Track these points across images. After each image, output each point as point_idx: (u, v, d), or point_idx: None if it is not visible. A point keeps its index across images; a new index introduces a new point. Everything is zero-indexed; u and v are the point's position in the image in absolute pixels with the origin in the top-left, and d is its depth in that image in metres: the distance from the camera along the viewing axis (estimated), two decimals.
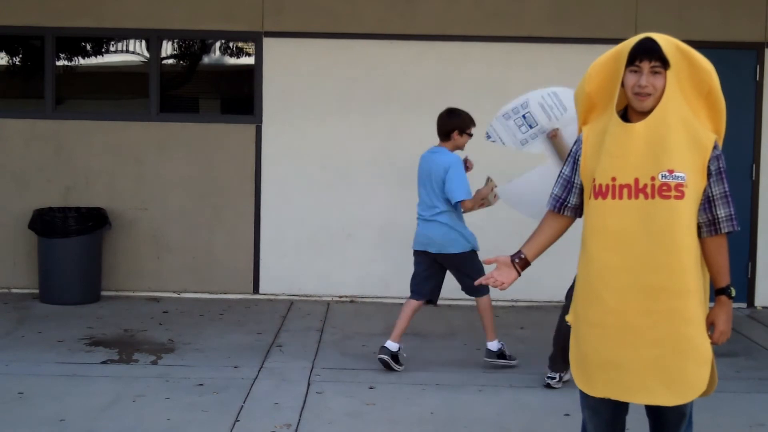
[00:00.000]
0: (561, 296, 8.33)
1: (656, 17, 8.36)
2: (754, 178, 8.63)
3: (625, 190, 3.37)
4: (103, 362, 6.34)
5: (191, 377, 6.03)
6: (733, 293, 3.45)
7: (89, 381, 5.92)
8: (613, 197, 3.39)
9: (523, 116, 6.25)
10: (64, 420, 5.17)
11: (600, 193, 3.42)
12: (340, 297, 8.57)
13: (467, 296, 8.06)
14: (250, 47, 8.68)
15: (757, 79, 8.51)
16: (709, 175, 3.36)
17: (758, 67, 8.49)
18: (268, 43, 8.50)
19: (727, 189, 3.40)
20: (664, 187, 3.31)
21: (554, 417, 5.43)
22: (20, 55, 9.05)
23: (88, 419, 5.21)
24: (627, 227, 3.37)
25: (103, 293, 8.38)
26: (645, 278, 3.35)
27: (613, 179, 3.39)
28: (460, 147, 6.37)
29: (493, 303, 8.29)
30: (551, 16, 8.47)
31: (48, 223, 8.06)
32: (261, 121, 8.54)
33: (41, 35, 8.56)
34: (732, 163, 8.35)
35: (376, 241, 8.55)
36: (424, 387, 5.97)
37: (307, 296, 8.54)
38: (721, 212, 3.38)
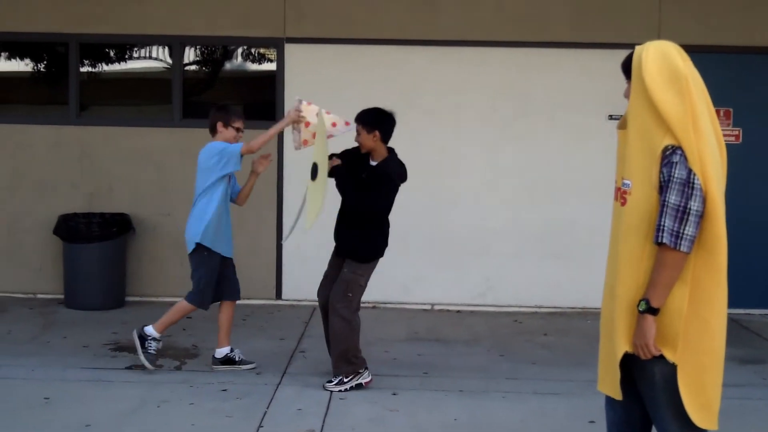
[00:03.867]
0: (584, 302, 8.38)
1: (679, 22, 8.32)
2: None
3: (614, 193, 3.58)
4: (128, 367, 6.37)
5: (215, 383, 6.05)
6: (642, 307, 3.35)
7: (114, 386, 5.95)
8: (614, 198, 3.59)
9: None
10: (89, 425, 5.20)
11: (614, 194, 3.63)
12: (363, 303, 8.53)
13: (489, 303, 8.10)
14: (271, 53, 8.71)
15: None
16: (660, 183, 3.34)
17: None
18: (289, 49, 8.52)
19: (668, 199, 3.29)
20: (619, 193, 3.51)
21: (579, 424, 5.41)
22: (44, 62, 9.12)
23: (113, 424, 5.24)
24: (612, 228, 3.61)
25: (127, 298, 8.42)
26: (608, 277, 3.60)
27: (616, 181, 3.60)
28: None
29: (517, 309, 8.36)
30: (572, 21, 8.45)
31: (72, 229, 8.11)
32: None
33: (65, 42, 8.62)
34: (759, 167, 8.42)
35: (398, 246, 8.51)
36: (447, 393, 5.97)
37: None
38: (659, 221, 3.32)
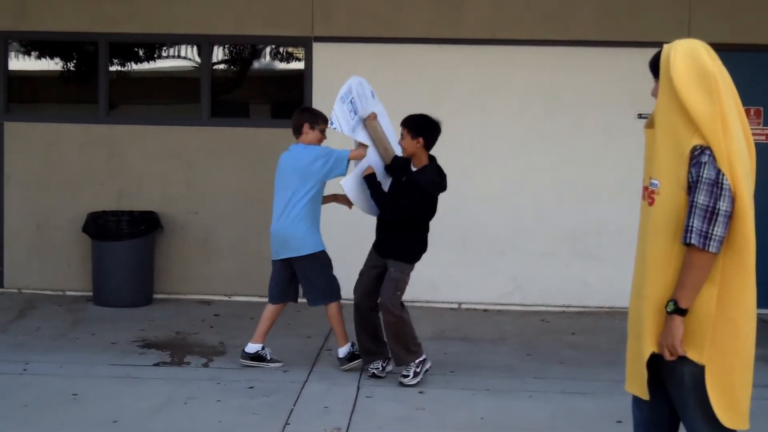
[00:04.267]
0: (612, 302, 8.33)
1: (709, 20, 8.25)
2: None
3: (642, 192, 3.57)
4: (156, 364, 6.41)
5: (242, 380, 6.07)
6: (670, 308, 3.33)
7: (142, 383, 5.98)
8: (642, 198, 3.57)
9: (351, 101, 6.25)
10: (117, 421, 5.24)
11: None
12: None
13: (516, 302, 8.07)
14: (299, 52, 8.72)
15: None
16: (688, 183, 3.32)
17: None
18: (317, 48, 8.53)
19: (696, 200, 3.27)
20: (647, 193, 3.49)
21: (606, 423, 5.38)
22: (74, 61, 9.19)
23: (141, 421, 5.27)
24: (639, 228, 3.59)
25: (155, 296, 8.47)
26: (635, 277, 3.58)
27: (643, 181, 3.57)
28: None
29: (545, 308, 8.33)
30: (601, 19, 8.39)
31: (101, 227, 8.16)
32: None
33: (95, 41, 8.68)
34: None
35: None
36: (474, 392, 5.95)
37: (348, 300, 8.51)
38: (688, 221, 3.29)
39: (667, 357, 3.38)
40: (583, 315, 8.32)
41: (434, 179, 6.14)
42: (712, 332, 3.35)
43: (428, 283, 8.47)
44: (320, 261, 6.37)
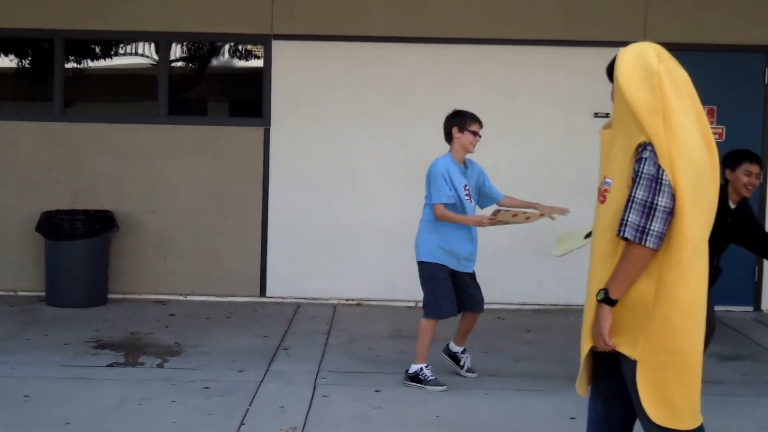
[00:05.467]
0: (568, 299, 8.39)
1: (665, 21, 8.35)
2: (761, 182, 8.58)
3: (596, 193, 3.57)
4: (110, 365, 6.35)
5: (197, 380, 6.03)
6: (600, 296, 3.36)
7: (95, 384, 5.92)
8: (597, 199, 3.58)
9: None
10: (69, 423, 5.18)
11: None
12: (347, 300, 8.57)
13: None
14: (259, 50, 8.69)
15: (765, 82, 8.47)
16: (631, 179, 3.35)
17: (766, 70, 8.46)
18: (277, 45, 8.51)
19: (635, 194, 3.28)
20: (602, 191, 3.50)
21: (560, 421, 5.42)
22: (30, 58, 9.08)
23: (94, 422, 5.21)
24: (594, 228, 3.61)
25: (110, 296, 8.39)
26: (590, 278, 3.53)
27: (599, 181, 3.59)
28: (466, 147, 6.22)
29: (502, 306, 8.36)
30: (562, 19, 8.45)
31: (55, 226, 8.07)
32: (269, 124, 8.54)
33: (51, 38, 8.58)
34: None
35: (384, 244, 8.54)
36: (429, 390, 5.96)
37: (313, 299, 8.53)
38: (624, 215, 3.31)
39: (600, 347, 3.42)
40: (539, 313, 8.38)
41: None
42: (647, 328, 3.35)
43: (385, 281, 8.49)
44: (426, 272, 6.20)
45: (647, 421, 3.43)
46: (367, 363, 6.58)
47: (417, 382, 6.04)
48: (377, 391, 5.90)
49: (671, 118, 3.33)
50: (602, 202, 3.46)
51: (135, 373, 6.19)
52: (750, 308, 8.61)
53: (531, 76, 8.48)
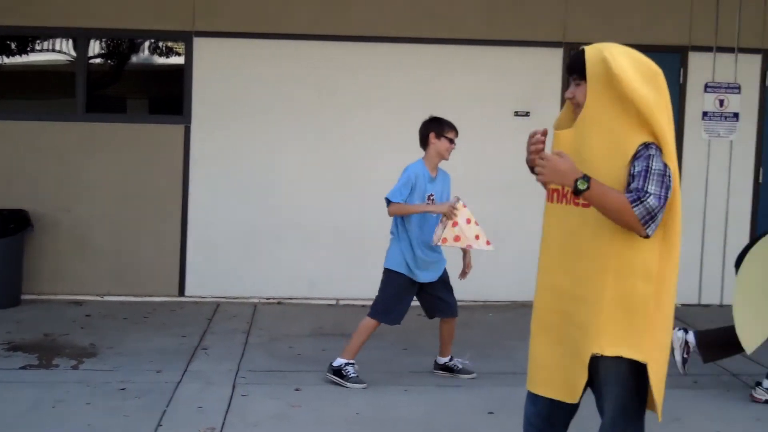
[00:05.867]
0: (486, 296, 8.45)
1: (585, 21, 8.46)
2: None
3: (555, 194, 3.52)
4: (22, 367, 6.21)
5: (113, 382, 5.92)
6: (582, 185, 3.27)
7: (7, 387, 5.78)
8: (550, 200, 3.55)
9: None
10: None
11: (547, 195, 3.58)
12: (268, 299, 8.51)
13: None
14: (180, 47, 8.58)
15: (681, 81, 8.65)
16: (629, 177, 3.31)
17: (682, 70, 8.64)
18: (198, 43, 8.41)
19: (647, 188, 3.25)
20: (571, 195, 3.41)
21: (479, 415, 5.47)
22: None
23: (6, 426, 5.09)
24: (553, 230, 3.55)
25: (24, 297, 8.19)
26: (556, 279, 3.51)
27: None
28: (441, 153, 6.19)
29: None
30: (484, 18, 8.50)
31: None
32: (190, 122, 8.44)
33: None
34: None
35: (304, 243, 8.51)
36: (350, 388, 5.96)
37: (233, 298, 8.46)
38: (641, 206, 3.25)
39: (537, 170, 3.38)
40: (459, 309, 8.40)
41: None
42: (650, 329, 3.36)
43: (306, 279, 8.46)
44: (388, 278, 6.17)
45: (625, 420, 3.45)
46: (287, 361, 6.55)
47: (338, 377, 6.03)
48: (297, 390, 5.88)
49: (672, 118, 3.41)
50: (588, 205, 3.36)
51: (49, 375, 6.06)
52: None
53: (453, 76, 8.52)
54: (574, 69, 3.47)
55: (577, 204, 3.41)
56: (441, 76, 8.51)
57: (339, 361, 6.07)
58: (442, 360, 6.35)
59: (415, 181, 6.04)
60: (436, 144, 6.09)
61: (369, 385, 5.99)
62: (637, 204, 3.25)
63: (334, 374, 6.05)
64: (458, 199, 5.94)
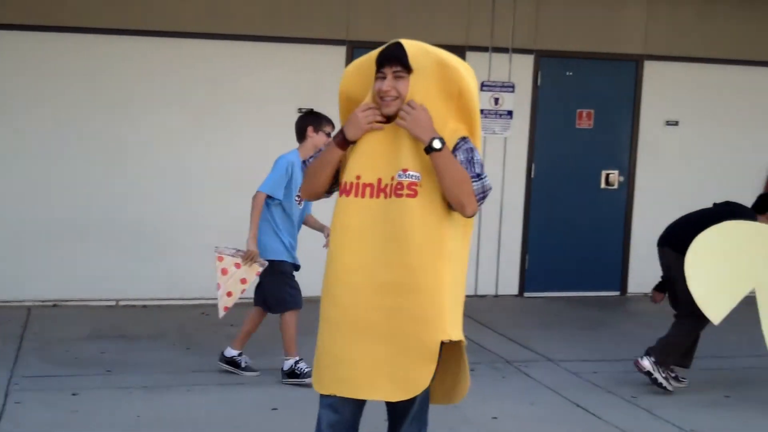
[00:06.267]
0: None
1: (368, 20, 8.59)
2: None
3: (368, 189, 3.43)
4: None
5: None
6: (437, 145, 3.36)
7: None
8: (356, 195, 3.45)
9: None
10: None
11: (345, 190, 3.47)
12: (43, 301, 8.14)
13: (176, 297, 8.00)
14: None
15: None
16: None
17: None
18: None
19: (477, 172, 3.42)
20: (399, 186, 3.39)
21: (262, 412, 5.46)
22: None
23: None
24: (366, 225, 3.43)
25: None
26: (378, 275, 3.40)
27: (358, 177, 3.45)
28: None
29: (205, 301, 8.26)
30: (265, 15, 8.46)
31: None
32: None
33: None
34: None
35: (79, 241, 8.18)
36: (130, 390, 5.80)
37: (4, 302, 8.03)
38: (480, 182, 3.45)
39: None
40: (242, 306, 8.30)
41: None
42: (459, 308, 3.53)
43: (84, 280, 8.16)
44: (277, 268, 6.10)
45: (426, 404, 3.58)
46: (64, 366, 6.30)
47: (294, 378, 6.00)
48: (74, 395, 5.67)
49: None
50: (413, 195, 3.38)
51: None
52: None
53: (238, 72, 8.44)
54: (399, 62, 3.42)
55: (399, 195, 3.38)
56: (224, 72, 8.41)
57: (288, 364, 6.04)
58: (233, 352, 6.28)
59: (292, 170, 6.04)
60: (314, 138, 6.10)
61: (149, 388, 5.85)
62: (477, 180, 3.39)
63: (289, 377, 6.02)
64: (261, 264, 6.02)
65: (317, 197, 3.68)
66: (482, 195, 3.41)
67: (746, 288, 5.74)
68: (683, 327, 6.18)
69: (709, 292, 5.66)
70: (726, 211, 6.17)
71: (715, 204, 6.51)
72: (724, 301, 5.67)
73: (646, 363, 6.09)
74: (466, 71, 3.51)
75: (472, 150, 3.44)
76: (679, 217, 6.55)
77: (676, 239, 6.17)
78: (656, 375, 6.06)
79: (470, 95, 3.48)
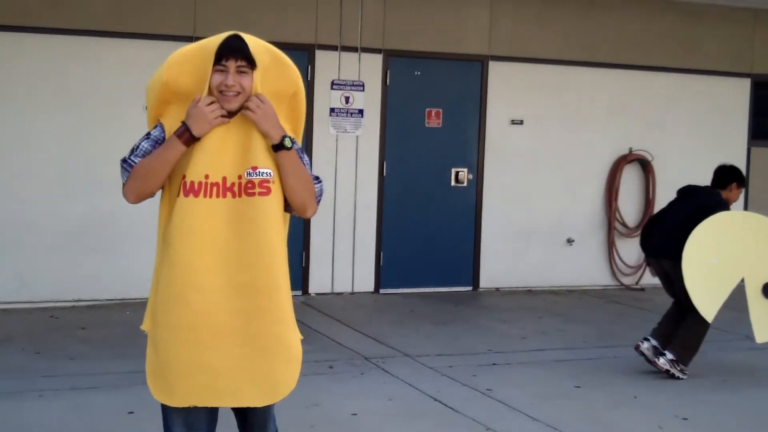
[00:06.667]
0: (124, 294, 8.28)
1: (215, 16, 8.52)
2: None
3: (215, 189, 3.27)
4: None
5: None
6: (288, 143, 3.31)
7: None
8: (204, 195, 3.26)
9: None
10: None
11: (191, 190, 3.27)
12: None
13: (24, 300, 7.74)
14: None
15: (309, 79, 8.98)
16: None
17: (309, 67, 8.97)
18: None
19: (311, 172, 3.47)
20: (249, 185, 3.27)
21: (118, 415, 5.34)
22: None
23: None
24: (216, 226, 3.26)
25: None
26: (234, 277, 3.26)
27: (207, 177, 3.27)
28: None
29: (54, 304, 8.05)
30: (113, 9, 8.28)
31: None
32: None
33: None
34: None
35: None
36: None
37: None
38: (318, 184, 3.48)
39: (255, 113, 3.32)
40: (93, 309, 8.17)
41: None
42: None
43: None
44: None
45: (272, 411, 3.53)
46: None
47: None
48: None
49: None
50: (266, 193, 3.27)
51: None
52: (299, 292, 9.07)
53: (81, 68, 8.23)
54: (244, 56, 3.28)
55: (251, 194, 3.26)
56: (67, 68, 8.19)
57: None
58: None
59: None
60: None
61: None
62: (317, 182, 3.44)
63: None
64: None
65: (145, 198, 3.40)
66: (320, 197, 3.45)
67: (736, 278, 6.14)
68: (697, 316, 6.29)
69: (704, 290, 6.03)
70: (694, 196, 6.51)
71: (678, 191, 6.77)
72: (716, 295, 6.05)
73: (663, 362, 6.38)
74: (299, 74, 3.50)
75: (302, 152, 3.44)
76: (657, 214, 6.80)
77: (671, 248, 6.36)
78: (674, 371, 6.37)
79: (303, 96, 3.50)
